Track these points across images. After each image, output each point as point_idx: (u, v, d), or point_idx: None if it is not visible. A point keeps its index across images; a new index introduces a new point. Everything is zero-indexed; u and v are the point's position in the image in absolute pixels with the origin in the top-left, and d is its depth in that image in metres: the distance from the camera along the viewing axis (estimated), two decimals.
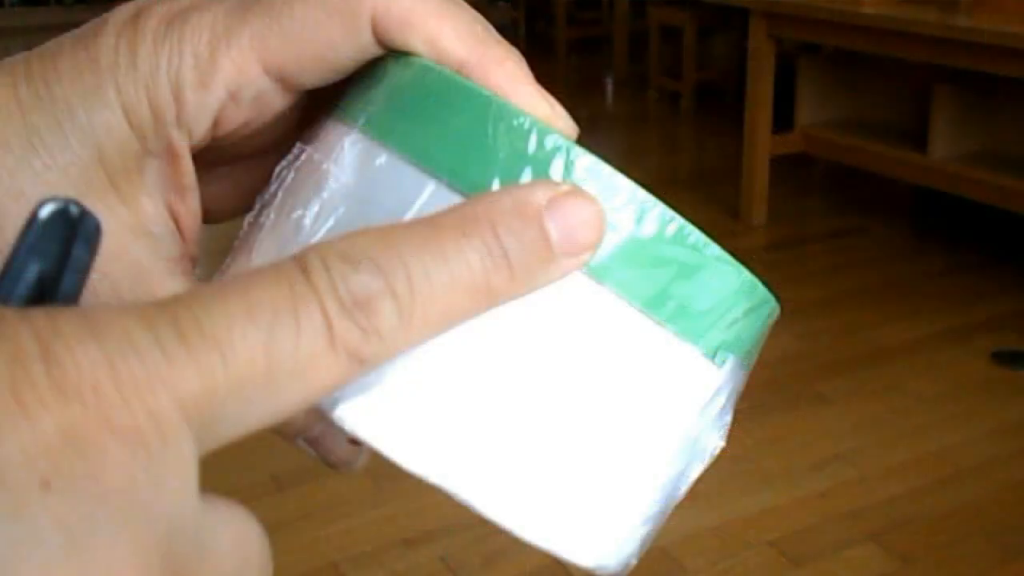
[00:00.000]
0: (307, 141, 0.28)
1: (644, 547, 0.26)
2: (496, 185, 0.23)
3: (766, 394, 2.26)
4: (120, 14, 0.27)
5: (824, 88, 3.44)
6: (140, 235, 0.27)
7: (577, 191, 0.22)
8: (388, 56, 0.26)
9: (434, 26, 0.26)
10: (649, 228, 0.24)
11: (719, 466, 0.28)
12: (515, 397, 0.23)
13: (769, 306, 0.26)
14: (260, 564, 0.20)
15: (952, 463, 2.07)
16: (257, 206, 0.28)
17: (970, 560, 1.80)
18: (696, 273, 0.24)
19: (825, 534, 1.87)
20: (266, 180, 0.28)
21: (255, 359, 0.18)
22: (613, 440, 0.24)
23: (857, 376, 2.41)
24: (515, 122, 0.24)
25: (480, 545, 1.81)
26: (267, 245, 0.27)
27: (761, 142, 3.32)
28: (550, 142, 0.23)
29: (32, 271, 0.19)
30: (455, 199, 0.23)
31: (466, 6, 0.27)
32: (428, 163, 0.24)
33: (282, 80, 0.26)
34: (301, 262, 0.19)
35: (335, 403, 0.23)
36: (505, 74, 0.25)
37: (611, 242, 0.23)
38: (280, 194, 0.27)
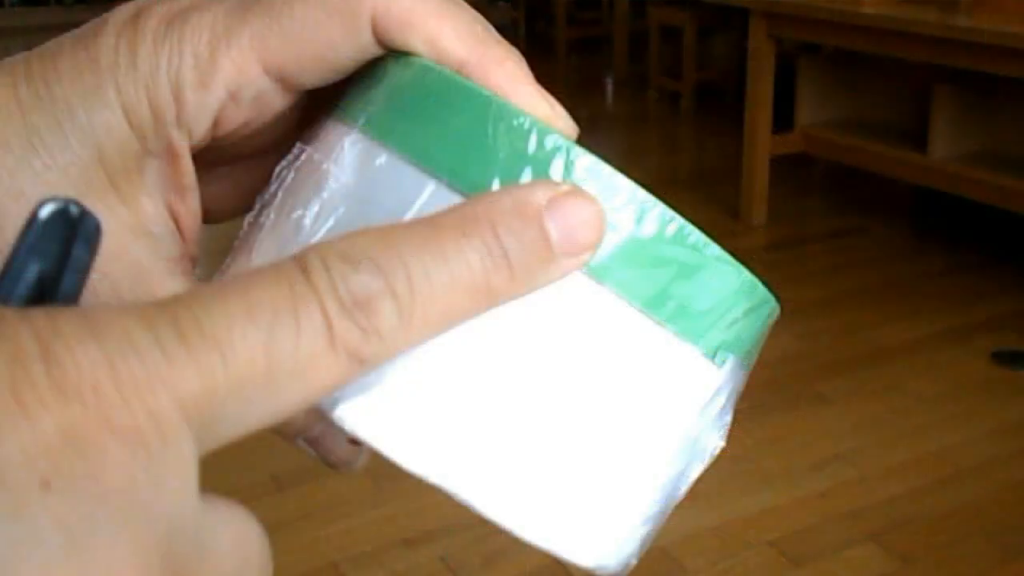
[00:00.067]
0: (307, 141, 0.28)
1: (644, 547, 0.26)
2: (496, 185, 0.23)
3: (766, 394, 2.26)
4: (120, 14, 0.27)
5: (824, 88, 3.44)
6: (140, 235, 0.27)
7: (577, 191, 0.22)
8: (388, 56, 0.26)
9: (434, 26, 0.26)
10: (649, 228, 0.24)
11: (719, 466, 0.28)
12: (515, 397, 0.23)
13: (769, 306, 0.26)
14: (260, 564, 0.20)
15: (952, 463, 2.07)
16: (257, 206, 0.28)
17: (970, 560, 1.80)
18: (696, 273, 0.24)
19: (825, 534, 1.87)
20: (266, 180, 0.28)
21: (255, 359, 0.18)
22: (613, 440, 0.24)
23: (857, 376, 2.41)
24: (515, 122, 0.24)
25: (480, 545, 1.81)
26: (267, 245, 0.27)
27: (761, 142, 3.32)
28: (550, 142, 0.23)
29: (32, 271, 0.19)
30: (455, 199, 0.23)
31: (466, 6, 0.27)
32: (428, 163, 0.24)
33: (282, 80, 0.26)
34: (301, 262, 0.19)
35: (335, 403, 0.23)
36: (505, 74, 0.25)
37: (611, 242, 0.23)
38: (280, 194, 0.27)
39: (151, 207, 0.27)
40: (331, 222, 0.25)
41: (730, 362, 0.25)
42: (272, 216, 0.27)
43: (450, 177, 0.24)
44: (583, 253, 0.22)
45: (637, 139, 4.76)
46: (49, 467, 0.16)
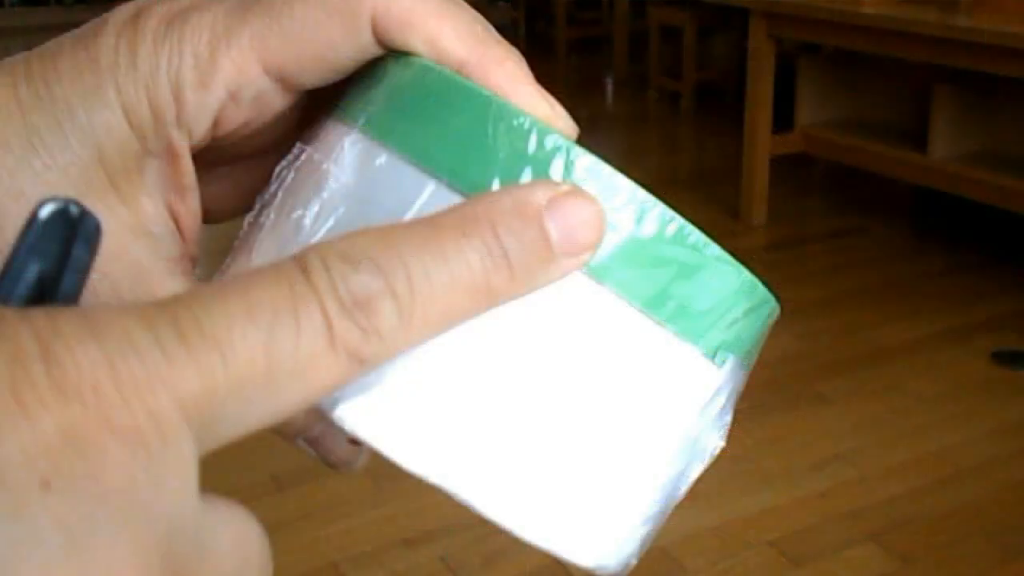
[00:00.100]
0: (307, 141, 0.28)
1: (644, 547, 0.26)
2: (496, 185, 0.23)
3: (766, 394, 2.26)
4: (120, 14, 0.27)
5: (824, 88, 3.44)
6: (140, 235, 0.27)
7: (577, 191, 0.22)
8: (388, 56, 0.26)
9: (434, 26, 0.26)
10: (649, 228, 0.24)
11: (719, 466, 0.28)
12: (515, 397, 0.23)
13: (769, 306, 0.26)
14: (260, 564, 0.20)
15: (952, 463, 2.07)
16: (257, 206, 0.28)
17: (970, 560, 1.80)
18: (696, 273, 0.24)
19: (825, 534, 1.87)
20: (266, 180, 0.28)
21: (255, 359, 0.18)
22: (613, 440, 0.24)
23: (857, 376, 2.41)
24: (515, 122, 0.24)
25: (480, 545, 1.81)
26: (267, 245, 0.27)
27: (761, 142, 3.32)
28: (550, 142, 0.23)
29: (32, 271, 0.19)
30: (455, 199, 0.23)
31: (466, 6, 0.27)
32: (428, 163, 0.24)
33: (282, 80, 0.26)
34: (301, 262, 0.19)
35: (335, 403, 0.23)
36: (505, 74, 0.25)
37: (611, 242, 0.23)
38: (280, 194, 0.27)
39: (151, 207, 0.27)
40: (331, 222, 0.25)
41: (730, 362, 0.25)
42: (272, 216, 0.27)
43: (450, 177, 0.24)
44: (583, 253, 0.22)
45: (637, 139, 4.76)
46: (49, 467, 0.16)
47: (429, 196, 0.24)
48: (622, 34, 5.66)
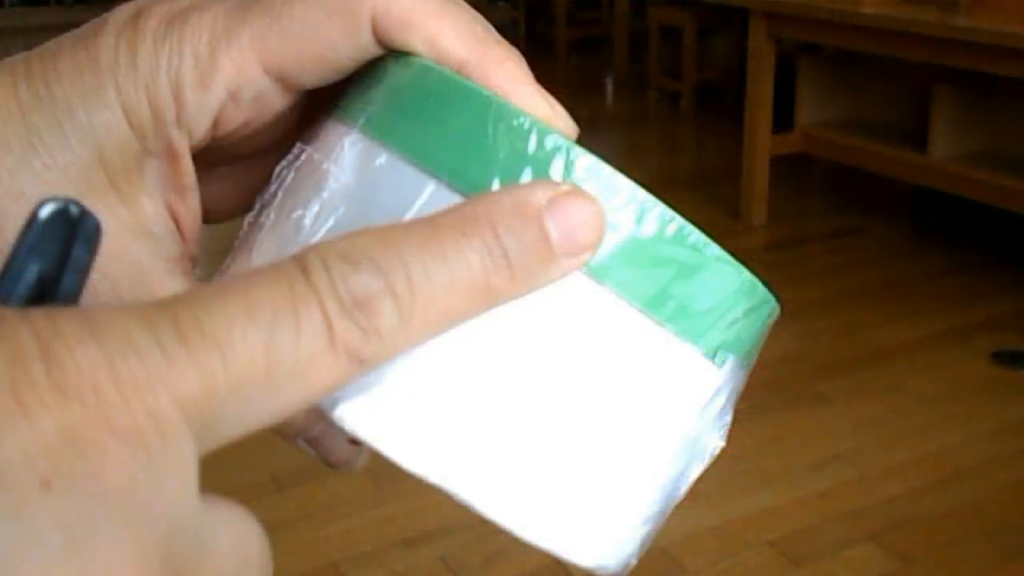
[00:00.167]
0: (307, 141, 0.28)
1: (644, 547, 0.26)
2: (496, 185, 0.23)
3: (766, 394, 2.26)
4: (120, 14, 0.27)
5: (824, 88, 3.43)
6: (140, 235, 0.27)
7: (577, 191, 0.22)
8: (388, 56, 0.26)
9: (434, 26, 0.26)
10: (649, 228, 0.24)
11: (719, 466, 0.28)
12: (515, 397, 0.23)
13: (769, 306, 0.26)
14: (260, 564, 0.20)
15: (952, 463, 2.07)
16: (257, 206, 0.28)
17: (970, 560, 1.80)
18: (696, 273, 0.24)
19: (825, 534, 1.87)
20: (266, 180, 0.28)
21: (255, 359, 0.18)
22: (613, 440, 0.24)
23: (857, 376, 2.41)
24: (515, 122, 0.24)
25: (480, 545, 1.81)
26: (267, 245, 0.27)
27: (761, 142, 3.32)
28: (550, 142, 0.23)
29: (32, 271, 0.19)
30: (455, 199, 0.23)
31: (466, 6, 0.27)
32: (428, 163, 0.24)
33: (282, 80, 0.26)
34: (301, 262, 0.19)
35: (335, 403, 0.23)
36: (505, 74, 0.25)
37: (611, 242, 0.23)
38: (280, 194, 0.27)
39: (151, 207, 0.27)
40: (331, 222, 0.25)
41: (730, 362, 0.25)
42: (272, 216, 0.27)
43: (450, 177, 0.24)
44: (583, 253, 0.22)
45: (637, 139, 4.76)
46: (49, 467, 0.16)
47: (429, 196, 0.24)
48: (622, 34, 5.66)
